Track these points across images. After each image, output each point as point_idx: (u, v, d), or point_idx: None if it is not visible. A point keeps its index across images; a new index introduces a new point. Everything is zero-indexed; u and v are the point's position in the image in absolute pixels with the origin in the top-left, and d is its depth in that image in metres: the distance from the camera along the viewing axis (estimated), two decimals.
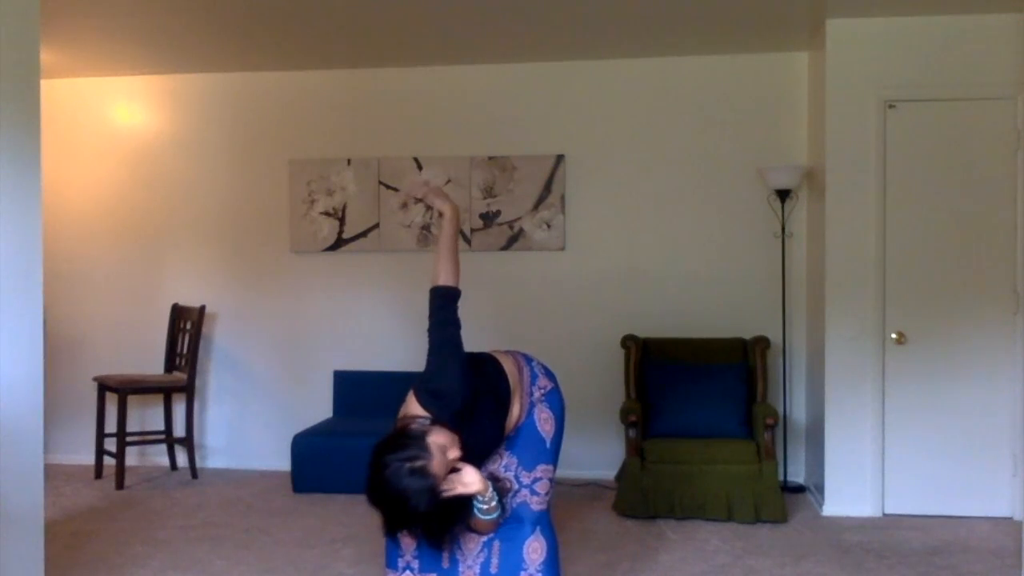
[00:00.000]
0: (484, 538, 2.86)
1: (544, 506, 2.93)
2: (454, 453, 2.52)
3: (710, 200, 6.06)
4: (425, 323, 2.79)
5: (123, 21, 5.31)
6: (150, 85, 6.59)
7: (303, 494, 5.71)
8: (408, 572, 2.89)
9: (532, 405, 2.96)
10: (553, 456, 2.97)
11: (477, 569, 2.86)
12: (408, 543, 2.89)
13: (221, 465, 6.49)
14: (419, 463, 2.44)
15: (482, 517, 2.65)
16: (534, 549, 2.86)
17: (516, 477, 2.89)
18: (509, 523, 2.86)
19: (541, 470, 2.92)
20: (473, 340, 2.99)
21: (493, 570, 2.85)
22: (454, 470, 2.54)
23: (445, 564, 2.87)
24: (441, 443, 2.49)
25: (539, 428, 2.95)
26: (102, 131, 6.64)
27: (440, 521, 2.53)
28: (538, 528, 2.88)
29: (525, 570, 2.85)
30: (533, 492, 2.90)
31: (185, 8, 5.07)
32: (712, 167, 6.06)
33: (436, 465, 2.46)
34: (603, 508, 5.36)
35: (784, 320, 5.86)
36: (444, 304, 2.77)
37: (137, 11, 5.11)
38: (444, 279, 2.80)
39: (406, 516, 2.49)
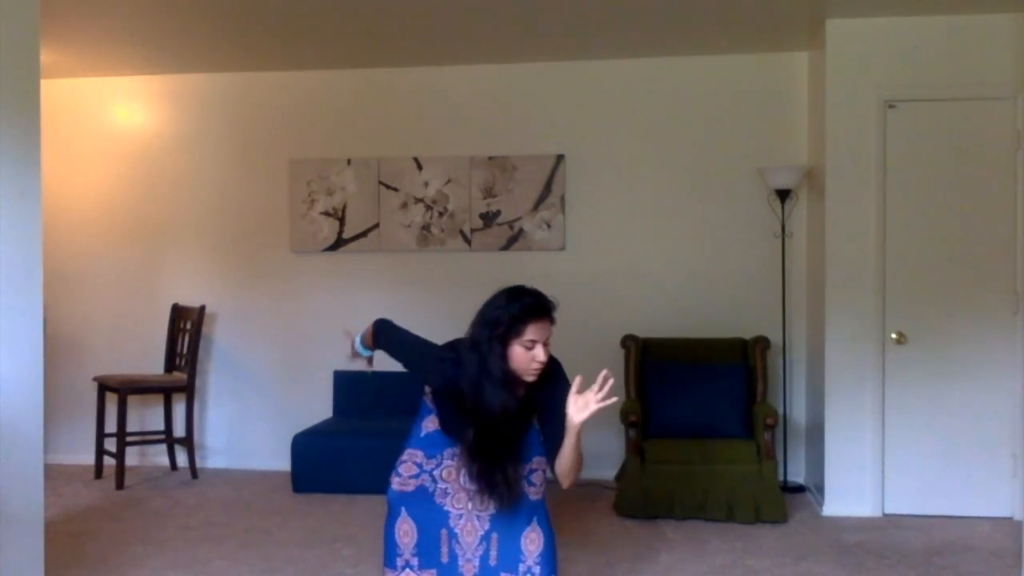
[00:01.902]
0: (482, 532, 2.87)
1: (540, 496, 2.94)
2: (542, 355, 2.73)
3: (710, 200, 6.06)
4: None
5: (123, 21, 5.31)
6: (150, 85, 6.59)
7: (303, 494, 5.71)
8: (408, 570, 2.90)
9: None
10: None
11: (476, 562, 2.87)
12: (407, 542, 2.89)
13: (221, 465, 6.49)
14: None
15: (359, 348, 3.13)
16: (531, 540, 2.86)
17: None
18: (507, 516, 2.87)
19: (536, 462, 2.94)
20: None
21: (492, 563, 2.86)
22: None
23: (444, 559, 2.88)
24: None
25: (532, 420, 2.97)
26: (102, 131, 6.64)
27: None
28: (535, 519, 2.89)
29: (523, 562, 2.85)
30: (529, 483, 2.92)
31: (185, 9, 5.07)
32: (712, 167, 6.06)
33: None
34: (603, 508, 5.36)
35: (784, 320, 5.86)
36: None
37: (137, 12, 5.11)
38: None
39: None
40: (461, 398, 2.76)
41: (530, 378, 2.77)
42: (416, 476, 2.92)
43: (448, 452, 2.91)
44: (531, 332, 2.73)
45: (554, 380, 2.83)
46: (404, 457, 2.95)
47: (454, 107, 6.31)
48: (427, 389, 3.01)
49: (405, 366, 3.02)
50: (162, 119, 6.60)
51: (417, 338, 3.02)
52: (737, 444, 5.20)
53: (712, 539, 4.80)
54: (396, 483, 2.93)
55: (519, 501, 2.83)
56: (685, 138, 6.10)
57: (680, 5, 5.05)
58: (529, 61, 6.18)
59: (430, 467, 2.91)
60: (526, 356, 2.73)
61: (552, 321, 2.80)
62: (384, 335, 3.07)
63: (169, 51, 5.98)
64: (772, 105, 6.00)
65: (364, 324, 3.12)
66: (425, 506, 2.89)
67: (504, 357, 2.72)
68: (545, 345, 2.76)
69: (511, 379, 2.74)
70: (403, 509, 2.90)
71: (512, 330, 2.73)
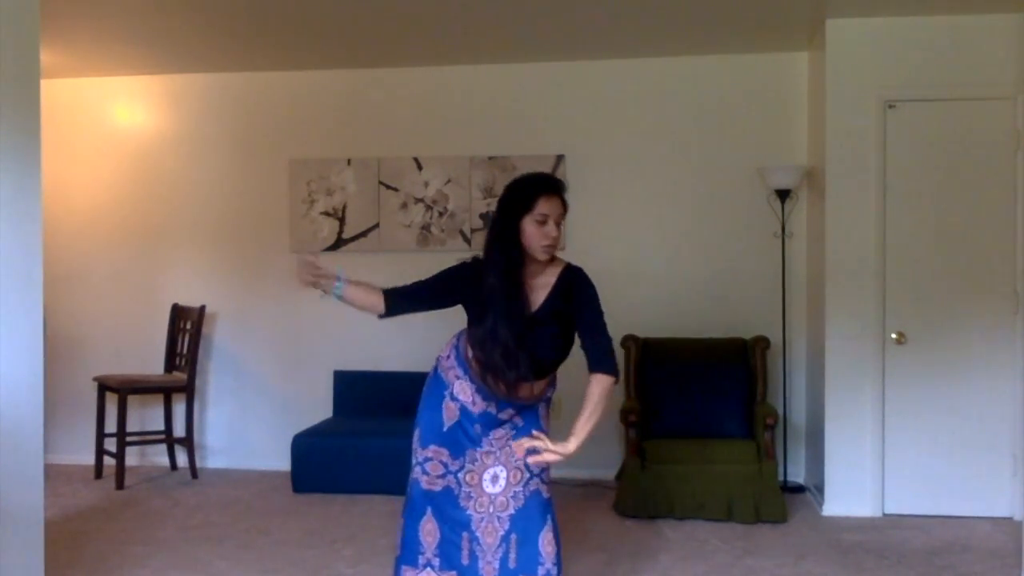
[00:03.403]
0: (502, 532, 2.88)
1: (550, 493, 2.97)
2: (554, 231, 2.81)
3: (710, 200, 6.06)
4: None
5: (123, 21, 5.31)
6: (150, 85, 6.59)
7: (303, 494, 5.71)
8: (428, 569, 2.90)
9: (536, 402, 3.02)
10: None
11: (496, 564, 2.87)
12: (430, 542, 2.90)
13: (221, 465, 6.49)
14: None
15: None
16: (548, 541, 2.87)
17: (526, 466, 2.92)
18: (525, 516, 2.87)
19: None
20: None
21: (512, 565, 2.86)
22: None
23: (465, 561, 2.88)
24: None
25: (540, 420, 3.04)
26: (102, 131, 6.64)
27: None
28: (548, 517, 2.91)
29: (542, 564, 2.85)
30: (543, 480, 2.94)
31: (185, 8, 5.07)
32: (712, 167, 6.06)
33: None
34: (603, 508, 5.36)
35: (784, 320, 5.86)
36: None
37: (137, 11, 5.11)
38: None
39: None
40: (482, 298, 2.80)
41: (543, 256, 2.82)
42: (443, 476, 2.92)
43: (470, 454, 2.92)
44: (542, 206, 2.78)
45: (580, 287, 2.88)
46: (429, 454, 2.94)
47: (454, 107, 6.31)
48: (442, 358, 3.00)
49: (435, 308, 2.96)
50: (162, 119, 6.60)
51: (428, 279, 2.96)
52: (737, 444, 5.20)
53: (712, 539, 4.80)
54: (425, 481, 2.92)
55: (526, 383, 2.87)
56: (685, 138, 6.10)
57: (680, 5, 5.05)
58: (529, 61, 6.18)
59: (455, 468, 2.93)
60: (538, 232, 2.78)
61: (564, 203, 2.85)
62: (398, 302, 2.90)
63: (169, 51, 5.98)
64: (772, 105, 6.00)
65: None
66: (450, 510, 2.90)
67: (517, 236, 2.79)
68: (557, 224, 2.81)
69: (522, 259, 2.80)
70: (429, 509, 2.91)
71: (524, 205, 2.78)
